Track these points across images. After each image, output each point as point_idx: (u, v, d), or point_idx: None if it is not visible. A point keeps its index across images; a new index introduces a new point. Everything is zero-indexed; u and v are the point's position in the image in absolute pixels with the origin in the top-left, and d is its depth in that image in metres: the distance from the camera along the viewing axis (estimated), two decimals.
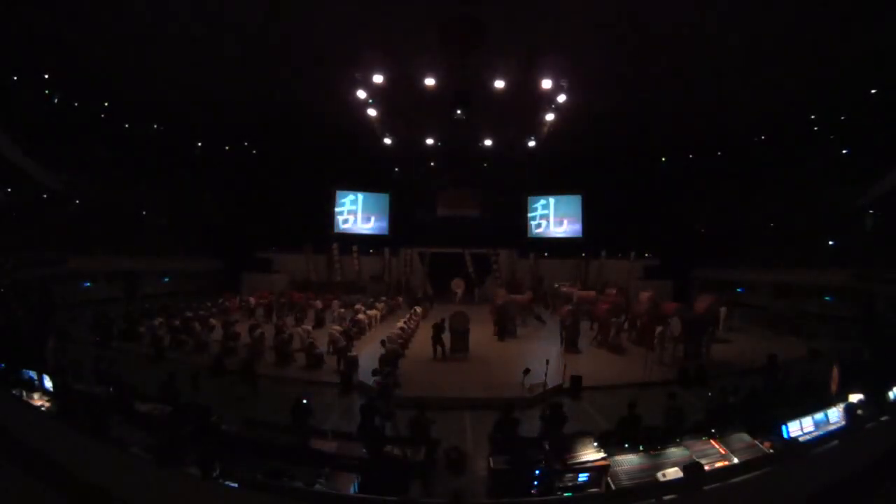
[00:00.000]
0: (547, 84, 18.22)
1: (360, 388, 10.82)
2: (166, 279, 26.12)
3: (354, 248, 30.23)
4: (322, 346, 13.20)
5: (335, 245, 30.11)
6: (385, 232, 33.32)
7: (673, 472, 5.02)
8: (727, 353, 14.15)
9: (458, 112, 19.77)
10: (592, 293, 21.24)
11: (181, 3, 16.37)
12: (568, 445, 5.75)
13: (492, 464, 5.79)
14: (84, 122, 24.98)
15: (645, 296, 17.06)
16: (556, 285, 25.97)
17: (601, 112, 23.18)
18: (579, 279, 28.47)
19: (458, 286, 25.99)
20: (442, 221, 32.84)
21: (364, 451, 6.00)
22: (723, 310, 17.31)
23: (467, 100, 19.48)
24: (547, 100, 19.77)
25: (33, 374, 7.34)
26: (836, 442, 5.03)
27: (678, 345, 13.50)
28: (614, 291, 20.97)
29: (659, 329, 13.80)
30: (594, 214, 32.22)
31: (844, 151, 24.33)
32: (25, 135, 20.80)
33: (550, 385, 10.10)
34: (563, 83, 18.68)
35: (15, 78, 21.70)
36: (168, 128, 28.21)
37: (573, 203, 33.81)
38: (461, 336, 13.50)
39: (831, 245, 22.25)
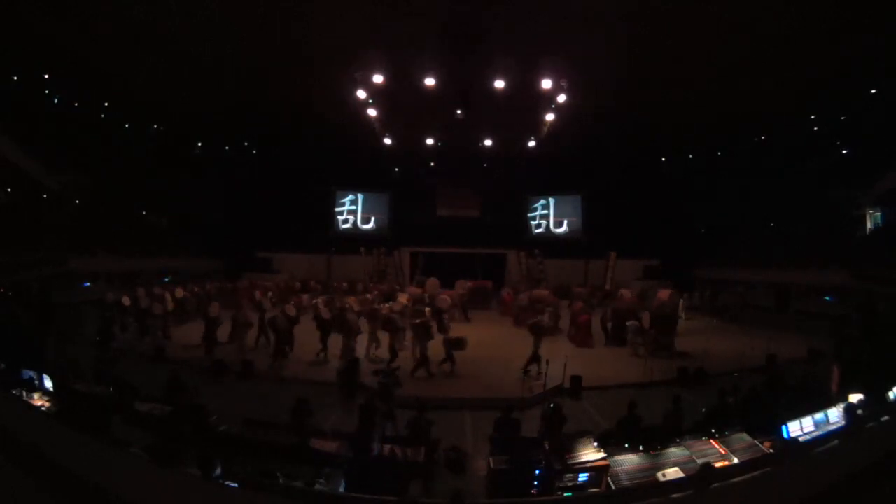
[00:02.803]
0: (547, 84, 18.22)
1: (361, 388, 10.80)
2: (166, 279, 26.12)
3: (382, 249, 30.20)
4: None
5: (383, 249, 30.06)
6: (385, 232, 33.34)
7: (673, 472, 5.02)
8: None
9: (459, 112, 19.78)
10: (546, 292, 21.64)
11: (181, 2, 16.37)
12: (568, 445, 5.74)
13: (492, 464, 5.78)
14: (84, 122, 25.00)
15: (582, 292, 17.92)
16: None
17: (601, 112, 23.19)
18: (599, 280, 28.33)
19: (461, 287, 25.90)
20: (442, 221, 32.86)
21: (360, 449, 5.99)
22: (681, 301, 18.64)
23: (467, 100, 19.48)
24: (547, 100, 19.78)
25: (33, 374, 7.33)
26: (836, 442, 5.02)
27: (647, 339, 14.00)
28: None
29: (630, 323, 14.54)
30: (594, 214, 32.23)
31: (844, 151, 24.35)
32: (25, 135, 20.81)
33: (550, 385, 10.10)
34: (563, 83, 18.68)
35: (15, 78, 21.72)
36: (168, 128, 28.22)
37: (573, 203, 33.83)
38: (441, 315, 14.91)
39: (831, 245, 22.30)
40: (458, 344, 12.20)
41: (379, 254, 29.64)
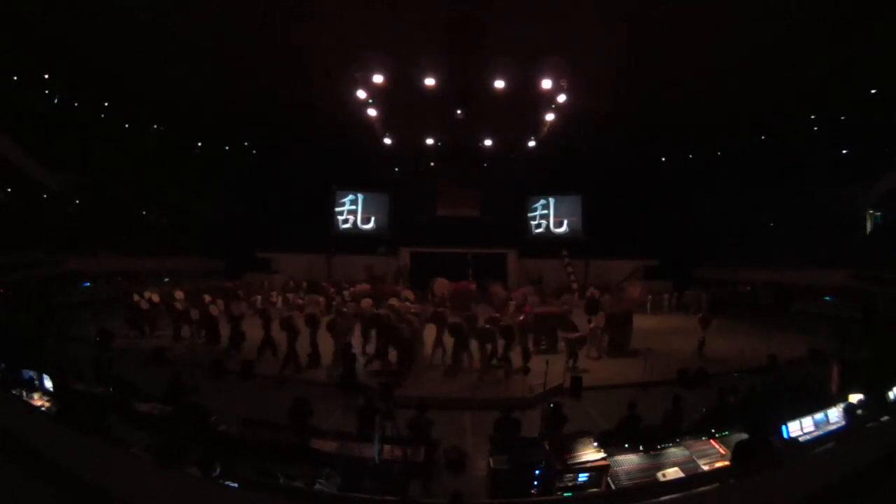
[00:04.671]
0: (547, 84, 18.20)
1: (362, 388, 10.77)
2: (166, 279, 26.11)
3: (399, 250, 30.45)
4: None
5: (403, 250, 30.65)
6: (384, 232, 33.34)
7: (673, 472, 5.03)
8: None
9: (459, 112, 19.75)
10: (518, 292, 21.64)
11: (182, 3, 16.37)
12: (568, 445, 5.74)
13: (492, 464, 5.78)
14: (84, 122, 25.01)
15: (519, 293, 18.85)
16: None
17: (601, 112, 23.18)
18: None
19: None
20: (442, 221, 32.84)
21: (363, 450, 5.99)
22: (650, 298, 19.92)
23: (468, 100, 19.46)
24: (547, 100, 19.75)
25: (33, 374, 7.33)
26: (836, 442, 5.02)
27: (603, 337, 14.15)
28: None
29: (592, 324, 14.50)
30: (594, 214, 32.22)
31: (844, 151, 24.35)
32: (25, 135, 20.82)
33: (550, 385, 10.10)
34: (563, 83, 18.66)
35: (15, 78, 21.73)
36: (168, 128, 28.22)
37: (573, 203, 33.82)
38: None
39: (831, 245, 22.33)
40: (582, 342, 12.53)
41: (401, 256, 30.02)
